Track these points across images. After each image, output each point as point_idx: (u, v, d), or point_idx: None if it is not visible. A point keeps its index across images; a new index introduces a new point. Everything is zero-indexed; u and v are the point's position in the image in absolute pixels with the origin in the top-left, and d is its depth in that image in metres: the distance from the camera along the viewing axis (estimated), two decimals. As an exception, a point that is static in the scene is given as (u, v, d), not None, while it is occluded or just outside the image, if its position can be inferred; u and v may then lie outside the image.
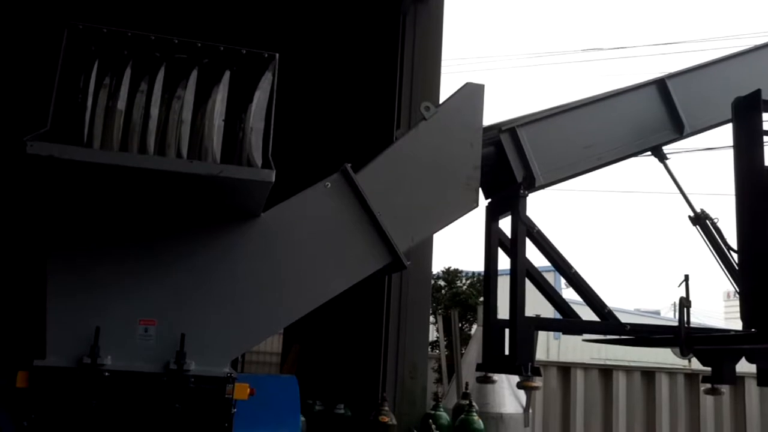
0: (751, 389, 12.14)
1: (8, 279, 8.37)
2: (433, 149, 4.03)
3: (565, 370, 12.18)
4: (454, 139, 4.09)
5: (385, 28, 8.08)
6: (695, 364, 12.66)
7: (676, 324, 4.47)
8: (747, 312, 4.19)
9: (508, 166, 4.38)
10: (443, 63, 7.72)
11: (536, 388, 4.37)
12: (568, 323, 4.65)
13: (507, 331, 4.47)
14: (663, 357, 17.29)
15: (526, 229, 4.38)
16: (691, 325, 4.54)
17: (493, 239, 4.70)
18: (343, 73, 9.46)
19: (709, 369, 4.62)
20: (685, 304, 4.51)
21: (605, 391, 12.08)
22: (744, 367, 4.64)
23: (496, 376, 5.70)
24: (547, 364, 12.43)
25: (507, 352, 4.46)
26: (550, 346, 25.92)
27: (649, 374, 12.27)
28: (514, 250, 4.41)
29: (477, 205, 4.07)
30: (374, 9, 8.31)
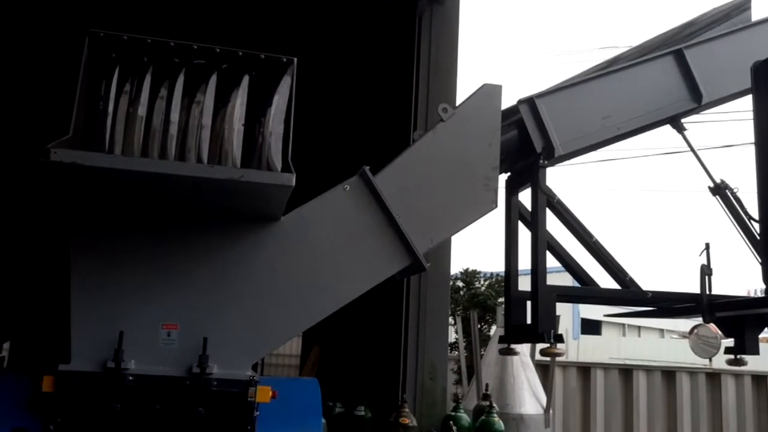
0: (774, 388, 12.02)
1: (34, 285, 8.47)
2: (451, 150, 4.03)
3: (585, 370, 12.11)
4: (472, 139, 4.08)
5: (401, 30, 8.08)
6: (716, 364, 12.58)
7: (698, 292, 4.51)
8: None
9: (529, 145, 4.40)
10: (460, 63, 7.72)
11: (560, 354, 4.38)
12: (589, 291, 4.69)
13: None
14: (684, 356, 17.15)
15: (546, 199, 4.42)
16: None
17: (513, 212, 4.74)
18: (359, 76, 9.47)
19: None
20: (706, 271, 4.51)
21: (625, 391, 11.99)
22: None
23: (515, 377, 5.65)
24: (567, 365, 12.36)
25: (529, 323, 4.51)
26: (569, 347, 25.79)
27: (669, 374, 12.16)
28: (535, 220, 4.47)
29: (496, 206, 4.07)
30: (389, 11, 8.31)
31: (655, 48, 4.90)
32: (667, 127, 4.92)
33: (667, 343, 30.41)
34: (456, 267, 18.53)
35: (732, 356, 4.59)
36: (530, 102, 4.44)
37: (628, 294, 4.58)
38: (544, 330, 4.21)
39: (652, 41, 4.99)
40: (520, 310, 4.67)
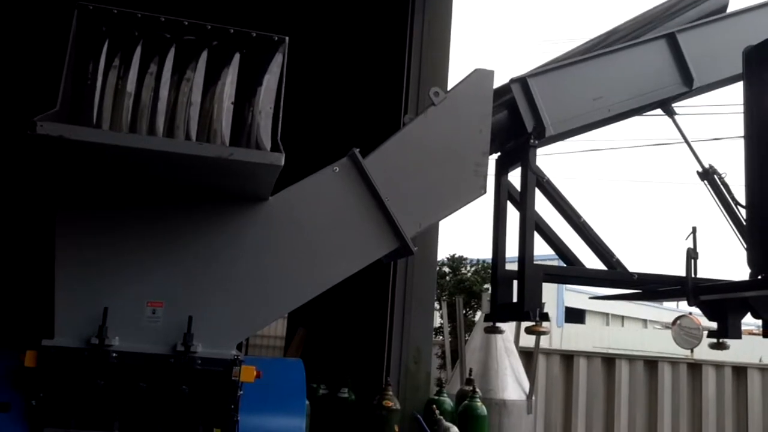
0: (754, 379, 12.13)
1: (18, 259, 8.41)
2: (442, 135, 4.02)
3: (568, 358, 12.18)
4: (463, 124, 4.07)
5: (394, 12, 8.04)
6: (698, 354, 12.69)
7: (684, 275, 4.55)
8: (755, 260, 4.22)
9: (520, 124, 4.42)
10: (452, 48, 7.70)
11: (545, 332, 4.41)
12: (576, 271, 4.72)
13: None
14: (666, 347, 17.30)
15: (535, 178, 4.46)
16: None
17: (503, 192, 4.78)
18: (351, 58, 9.42)
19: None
20: (692, 255, 4.55)
21: (608, 379, 12.07)
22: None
23: (499, 363, 5.65)
24: (550, 352, 12.42)
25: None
26: (552, 334, 25.96)
27: (651, 363, 12.25)
28: (524, 199, 4.50)
29: (485, 192, 4.06)
30: (383, -7, 8.28)
31: (652, 20, 4.92)
32: (656, 119, 4.95)
33: (650, 333, 30.68)
34: (443, 253, 18.60)
35: (714, 340, 4.64)
36: (522, 81, 4.45)
37: (614, 275, 4.61)
38: (530, 308, 4.25)
39: (649, 13, 5.01)
40: (507, 290, 4.70)
